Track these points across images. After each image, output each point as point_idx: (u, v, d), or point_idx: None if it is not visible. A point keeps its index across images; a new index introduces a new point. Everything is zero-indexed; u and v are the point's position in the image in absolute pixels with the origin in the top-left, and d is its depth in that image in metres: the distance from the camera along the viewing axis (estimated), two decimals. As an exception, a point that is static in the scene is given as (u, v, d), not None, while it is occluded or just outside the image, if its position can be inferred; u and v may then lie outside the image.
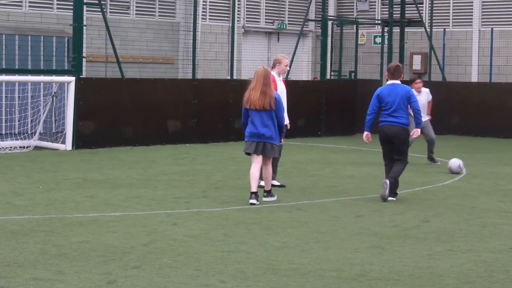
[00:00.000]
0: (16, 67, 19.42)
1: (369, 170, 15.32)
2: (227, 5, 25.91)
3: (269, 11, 27.63)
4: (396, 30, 25.45)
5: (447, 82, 25.04)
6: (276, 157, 11.82)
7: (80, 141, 18.18)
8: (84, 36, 18.91)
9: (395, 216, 10.41)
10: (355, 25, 26.59)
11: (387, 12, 25.81)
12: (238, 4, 25.57)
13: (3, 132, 18.44)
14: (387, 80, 12.00)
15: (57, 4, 22.42)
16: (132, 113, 19.11)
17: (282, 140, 11.58)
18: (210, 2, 25.69)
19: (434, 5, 26.31)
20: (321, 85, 23.58)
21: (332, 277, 7.26)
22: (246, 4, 26.86)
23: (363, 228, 9.58)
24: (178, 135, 19.98)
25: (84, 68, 19.16)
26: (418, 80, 16.82)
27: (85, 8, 19.11)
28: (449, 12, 26.94)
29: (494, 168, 16.13)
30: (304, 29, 25.63)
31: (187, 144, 19.77)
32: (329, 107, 23.39)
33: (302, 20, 25.89)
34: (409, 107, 11.89)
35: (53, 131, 18.77)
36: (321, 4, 24.66)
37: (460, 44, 26.54)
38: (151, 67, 24.03)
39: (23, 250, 8.03)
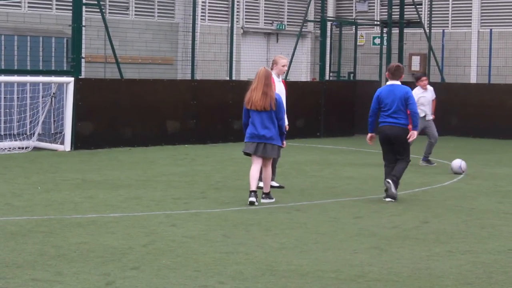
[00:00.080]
0: (15, 67, 19.41)
1: (368, 171, 15.32)
2: (226, 6, 25.92)
3: (268, 12, 27.63)
4: (395, 31, 25.46)
5: (446, 83, 25.05)
6: (277, 157, 11.80)
7: (79, 142, 18.18)
8: (83, 36, 18.90)
9: (394, 217, 10.41)
10: (354, 26, 26.61)
11: (386, 13, 25.83)
12: (237, 5, 25.56)
13: (2, 132, 18.42)
14: (387, 80, 12.00)
15: (56, 4, 22.42)
16: (131, 113, 19.11)
17: (284, 142, 11.57)
18: (209, 3, 25.69)
19: (433, 6, 26.33)
20: (320, 86, 23.59)
21: (331, 278, 7.26)
22: (245, 5, 26.86)
23: (362, 229, 9.58)
24: (177, 136, 19.98)
25: (83, 69, 19.17)
26: (424, 78, 16.83)
27: (84, 8, 19.10)
28: (448, 13, 26.96)
29: (493, 169, 16.14)
30: (303, 30, 25.64)
31: (186, 145, 19.77)
32: (328, 108, 23.40)
33: (301, 21, 25.90)
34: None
35: (52, 131, 18.76)
36: (320, 5, 24.66)
37: (459, 45, 26.55)
38: (150, 67, 24.03)
39: (22, 251, 8.03)
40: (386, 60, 24.82)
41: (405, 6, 25.44)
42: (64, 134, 18.14)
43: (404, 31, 25.62)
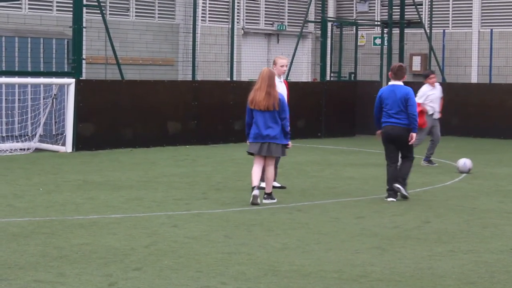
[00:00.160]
0: (16, 69, 19.41)
1: (369, 171, 15.32)
2: (226, 6, 25.92)
3: (269, 13, 27.64)
4: (396, 31, 25.46)
5: (447, 83, 25.01)
6: (282, 156, 11.78)
7: (80, 143, 18.19)
8: (84, 38, 18.91)
9: (395, 217, 10.41)
10: (354, 27, 26.60)
11: (387, 13, 25.82)
12: (238, 6, 25.57)
13: (4, 134, 18.42)
14: (389, 80, 12.01)
15: (57, 6, 22.43)
16: (132, 115, 19.12)
17: (290, 142, 11.58)
18: (209, 3, 25.70)
19: (433, 6, 26.32)
20: (321, 86, 23.59)
21: (333, 278, 7.26)
22: (246, 6, 26.86)
23: (363, 229, 9.58)
24: (178, 136, 19.98)
25: (84, 70, 19.16)
26: (432, 75, 16.72)
27: (84, 10, 19.10)
28: (448, 13, 26.95)
29: (494, 169, 16.14)
30: (303, 30, 25.64)
31: (187, 146, 19.77)
32: (329, 109, 23.40)
33: (301, 21, 25.91)
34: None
35: (53, 133, 18.76)
36: (320, 5, 24.66)
37: (459, 45, 26.55)
38: (151, 69, 24.04)
39: (24, 252, 8.03)
40: (387, 61, 24.83)
41: (406, 7, 25.44)
42: (65, 135, 18.14)
43: (405, 31, 25.61)
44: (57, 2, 22.42)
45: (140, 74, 23.30)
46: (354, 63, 25.93)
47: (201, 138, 20.29)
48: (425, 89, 16.42)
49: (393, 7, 25.23)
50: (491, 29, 25.47)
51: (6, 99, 18.55)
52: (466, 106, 24.17)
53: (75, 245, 8.40)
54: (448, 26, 26.85)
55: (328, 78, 24.65)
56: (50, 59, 20.19)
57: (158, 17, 24.74)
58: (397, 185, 11.67)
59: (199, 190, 12.58)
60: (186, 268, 7.52)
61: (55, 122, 18.78)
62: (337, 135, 23.39)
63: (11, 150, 17.51)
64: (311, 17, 27.46)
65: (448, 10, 26.95)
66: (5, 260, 7.70)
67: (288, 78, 22.53)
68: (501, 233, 9.45)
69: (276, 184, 12.57)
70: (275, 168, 12.55)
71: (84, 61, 18.98)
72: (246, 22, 26.91)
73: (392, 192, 11.74)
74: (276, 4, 27.82)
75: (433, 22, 26.08)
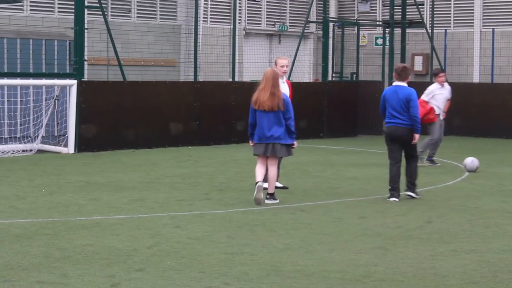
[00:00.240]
0: (18, 70, 19.43)
1: (371, 171, 15.32)
2: (228, 7, 25.93)
3: (270, 13, 27.64)
4: (398, 31, 25.46)
5: (449, 83, 24.95)
6: (289, 156, 11.77)
7: (83, 144, 18.19)
8: (86, 39, 18.93)
9: (398, 217, 10.41)
10: (356, 27, 26.60)
11: (388, 14, 25.81)
12: (239, 6, 25.58)
13: (6, 136, 18.45)
14: (393, 81, 12.02)
15: (58, 7, 22.44)
16: (134, 116, 19.13)
17: (295, 142, 11.59)
18: (211, 4, 25.71)
19: (435, 6, 26.32)
20: (323, 87, 23.59)
21: (336, 278, 7.26)
22: (247, 6, 26.87)
23: (366, 229, 9.58)
24: (180, 137, 19.99)
25: (85, 71, 19.18)
26: (442, 74, 16.44)
27: (86, 11, 19.13)
28: (450, 13, 26.95)
29: (497, 168, 16.13)
30: (305, 31, 25.64)
31: (189, 147, 19.77)
32: (331, 109, 23.40)
33: (303, 22, 25.91)
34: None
35: (56, 134, 18.77)
36: (322, 5, 24.67)
37: (461, 45, 26.55)
38: (152, 70, 24.05)
39: (27, 254, 8.04)
40: (389, 61, 24.84)
41: (407, 7, 25.45)
42: (67, 136, 18.16)
43: (406, 31, 25.62)
44: (58, 3, 22.43)
45: (142, 75, 23.31)
46: (356, 63, 25.94)
47: (203, 139, 20.30)
48: (433, 87, 16.26)
49: (395, 7, 25.22)
50: (493, 29, 25.46)
51: (8, 100, 18.57)
52: (468, 106, 24.15)
53: (78, 246, 8.41)
54: (450, 26, 26.85)
55: (330, 78, 24.65)
56: (52, 60, 20.22)
57: (160, 18, 24.75)
58: (408, 194, 11.84)
59: (202, 190, 12.59)
60: (189, 268, 7.53)
61: (57, 123, 18.79)
62: (339, 135, 23.39)
63: (14, 151, 17.53)
64: (313, 17, 27.46)
65: (450, 10, 26.95)
66: (8, 261, 7.71)
67: (290, 79, 22.54)
68: (503, 233, 9.44)
69: (278, 184, 12.58)
70: (278, 168, 12.57)
71: (86, 63, 19.01)
72: (247, 23, 26.92)
73: (395, 192, 11.76)
74: (278, 4, 27.83)
75: (434, 22, 26.07)
